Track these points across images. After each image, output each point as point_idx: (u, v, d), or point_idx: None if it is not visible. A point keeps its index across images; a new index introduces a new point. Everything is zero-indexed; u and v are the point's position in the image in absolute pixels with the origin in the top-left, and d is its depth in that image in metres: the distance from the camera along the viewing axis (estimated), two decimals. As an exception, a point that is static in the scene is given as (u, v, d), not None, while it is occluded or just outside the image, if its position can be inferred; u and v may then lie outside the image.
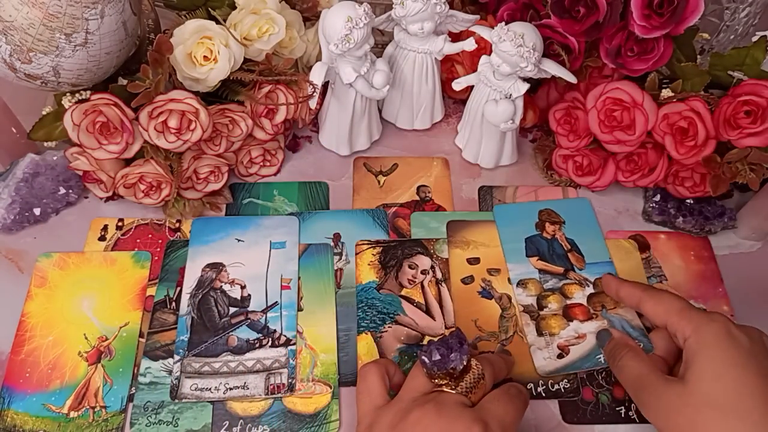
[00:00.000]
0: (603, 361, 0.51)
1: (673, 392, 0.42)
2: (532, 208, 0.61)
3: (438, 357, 0.42)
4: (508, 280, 0.56)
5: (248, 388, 0.49)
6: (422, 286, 0.56)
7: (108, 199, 0.60)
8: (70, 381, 0.49)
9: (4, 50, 0.47)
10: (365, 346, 0.52)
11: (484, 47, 0.59)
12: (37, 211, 0.57)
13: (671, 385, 0.42)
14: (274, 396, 0.49)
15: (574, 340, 0.53)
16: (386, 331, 0.53)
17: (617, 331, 0.51)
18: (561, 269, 0.57)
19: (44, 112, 0.55)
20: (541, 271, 0.57)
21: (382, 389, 0.44)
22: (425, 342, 0.53)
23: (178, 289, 0.54)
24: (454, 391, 0.42)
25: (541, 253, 0.58)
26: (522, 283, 0.56)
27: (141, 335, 0.52)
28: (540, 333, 0.53)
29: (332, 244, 0.58)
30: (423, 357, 0.42)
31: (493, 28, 0.56)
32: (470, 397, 0.42)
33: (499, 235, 0.59)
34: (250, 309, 0.53)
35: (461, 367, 0.42)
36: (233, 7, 0.56)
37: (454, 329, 0.45)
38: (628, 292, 0.50)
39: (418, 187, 0.63)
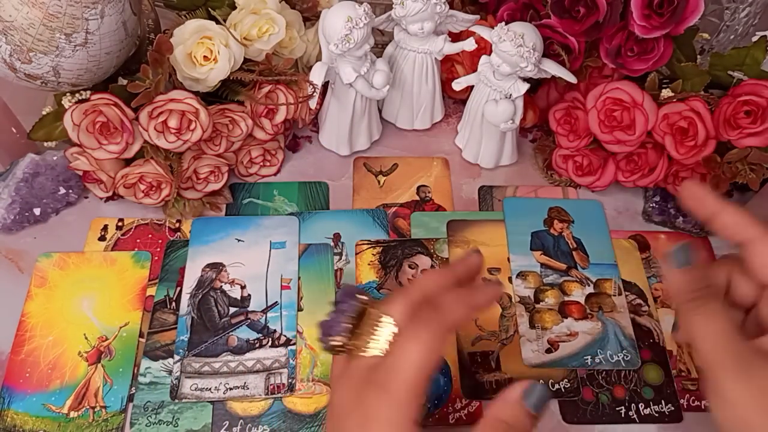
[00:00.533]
0: (589, 363, 0.51)
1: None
2: (543, 204, 0.62)
3: (321, 331, 0.36)
4: (509, 279, 0.56)
5: (248, 388, 0.49)
6: (422, 286, 0.56)
7: (108, 199, 0.60)
8: (70, 381, 0.49)
9: (4, 50, 0.47)
10: (365, 346, 0.52)
11: (484, 47, 0.59)
12: (37, 211, 0.57)
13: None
14: (274, 396, 0.49)
15: (565, 337, 0.53)
16: (386, 331, 0.53)
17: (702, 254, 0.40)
18: (563, 266, 0.57)
19: (44, 112, 0.55)
20: (543, 265, 0.57)
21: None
22: None
23: (178, 289, 0.54)
24: (365, 354, 0.35)
25: (546, 248, 0.58)
26: (522, 275, 0.56)
27: (141, 335, 0.52)
28: (532, 325, 0.54)
29: (332, 244, 0.58)
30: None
31: (493, 28, 0.56)
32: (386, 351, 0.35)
33: (506, 226, 0.59)
34: (250, 309, 0.53)
35: (341, 330, 0.35)
36: (233, 7, 0.56)
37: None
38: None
39: (418, 187, 0.63)
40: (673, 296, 0.38)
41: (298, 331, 0.52)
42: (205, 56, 0.53)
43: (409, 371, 0.33)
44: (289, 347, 0.51)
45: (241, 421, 0.48)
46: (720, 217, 0.37)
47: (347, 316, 0.35)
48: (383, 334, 0.35)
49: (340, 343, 0.35)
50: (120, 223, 0.59)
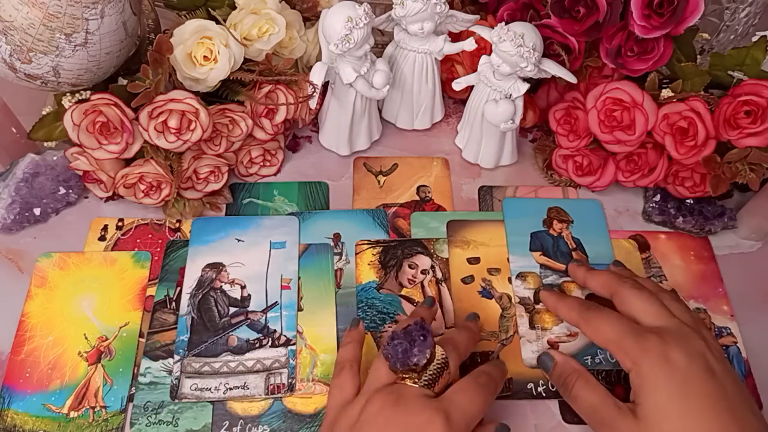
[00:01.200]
0: (589, 363, 0.51)
1: (627, 428, 0.41)
2: (542, 204, 0.61)
3: (400, 354, 0.40)
4: (509, 279, 0.56)
5: (248, 388, 0.49)
6: (422, 286, 0.56)
7: (108, 199, 0.60)
8: (70, 381, 0.49)
9: (4, 50, 0.47)
10: (365, 346, 0.52)
11: (484, 47, 0.59)
12: (37, 211, 0.57)
13: (625, 419, 0.41)
14: (274, 396, 0.49)
15: (565, 338, 0.53)
16: (386, 331, 0.53)
17: (560, 355, 0.48)
18: (563, 266, 0.57)
19: (44, 112, 0.55)
20: (542, 266, 0.57)
21: (355, 385, 0.44)
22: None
23: (178, 289, 0.54)
24: (416, 384, 0.41)
25: (545, 249, 0.58)
26: (521, 276, 0.56)
27: (141, 335, 0.52)
28: (532, 326, 0.54)
29: (332, 244, 0.58)
30: (385, 352, 0.41)
31: (493, 28, 0.56)
32: (434, 388, 0.41)
33: (505, 227, 0.59)
34: (250, 309, 0.53)
35: (424, 362, 0.41)
36: (233, 7, 0.56)
37: (417, 319, 0.42)
38: (567, 310, 0.48)
39: (418, 187, 0.63)
40: (555, 380, 0.47)
41: (298, 331, 0.52)
42: (205, 56, 0.53)
43: (472, 416, 0.41)
44: (289, 347, 0.51)
45: (241, 421, 0.48)
46: (591, 281, 0.50)
47: (427, 352, 0.41)
48: (439, 374, 0.42)
49: (410, 369, 0.41)
50: (120, 223, 0.59)
